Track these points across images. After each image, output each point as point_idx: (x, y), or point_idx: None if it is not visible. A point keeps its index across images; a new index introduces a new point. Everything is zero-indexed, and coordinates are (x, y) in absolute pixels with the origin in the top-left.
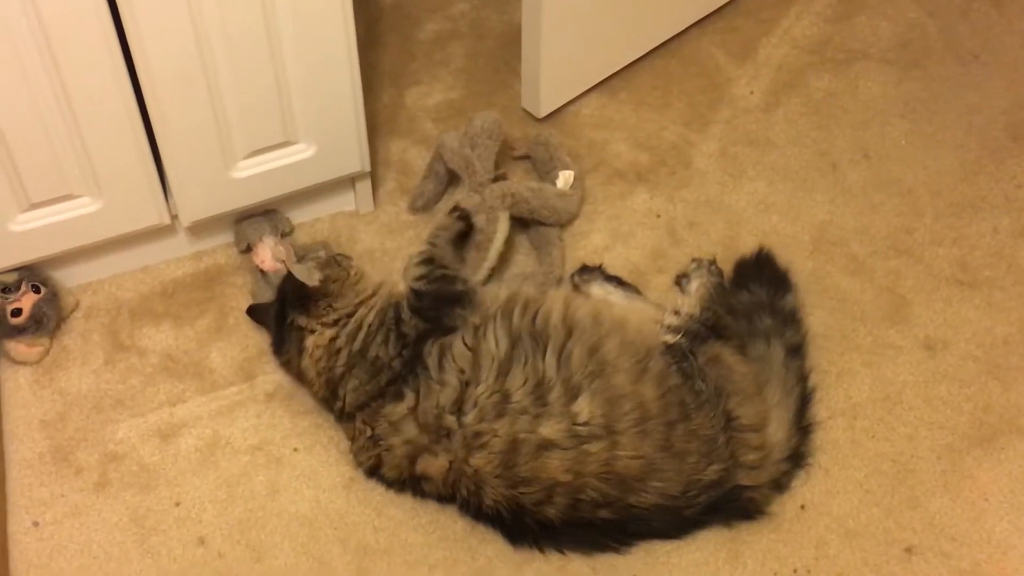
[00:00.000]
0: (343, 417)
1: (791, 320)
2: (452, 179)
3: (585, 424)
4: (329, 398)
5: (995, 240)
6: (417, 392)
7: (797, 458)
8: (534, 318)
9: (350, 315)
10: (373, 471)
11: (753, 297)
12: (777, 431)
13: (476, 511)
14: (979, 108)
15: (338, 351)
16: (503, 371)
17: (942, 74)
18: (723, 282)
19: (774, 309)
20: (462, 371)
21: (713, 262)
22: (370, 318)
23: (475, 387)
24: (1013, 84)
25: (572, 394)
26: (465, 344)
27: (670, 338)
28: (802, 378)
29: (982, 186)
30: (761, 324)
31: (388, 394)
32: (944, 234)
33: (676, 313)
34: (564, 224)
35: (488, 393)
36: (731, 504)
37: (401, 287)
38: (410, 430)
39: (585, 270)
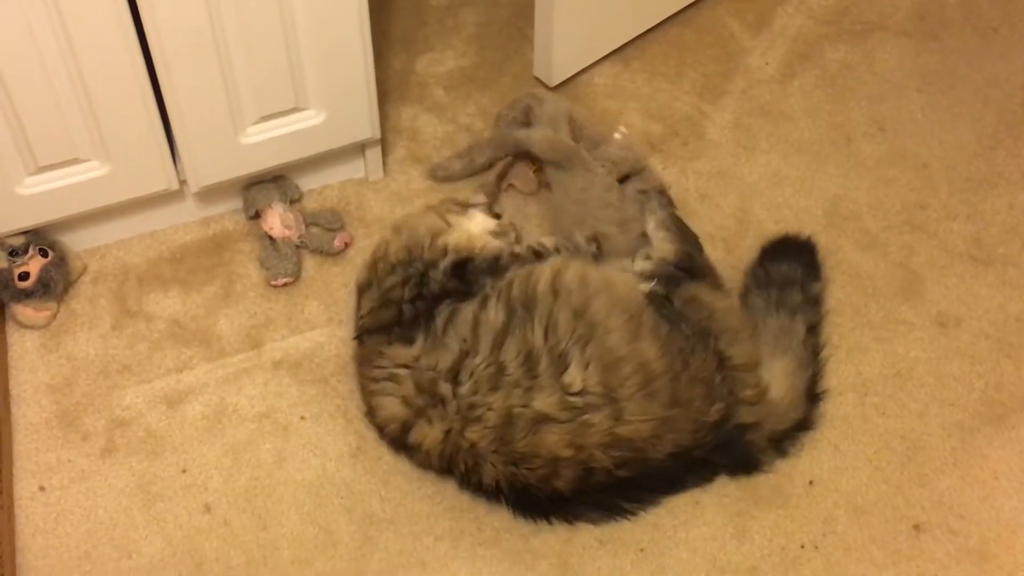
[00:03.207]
0: (359, 333)
1: (815, 303)
2: (483, 170)
3: (579, 394)
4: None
5: (1011, 216)
6: (425, 342)
7: (802, 425)
8: (526, 287)
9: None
10: (369, 415)
11: (789, 272)
12: (787, 396)
13: (476, 487)
14: (997, 82)
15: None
16: (498, 343)
17: (960, 47)
18: (676, 211)
19: (804, 289)
20: (464, 339)
21: (660, 191)
22: (391, 250)
23: (473, 358)
24: None
25: (561, 363)
26: (473, 312)
27: (645, 286)
28: (815, 355)
29: (998, 161)
30: (790, 298)
31: (395, 335)
32: (959, 209)
33: (647, 258)
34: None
35: (484, 365)
36: (733, 444)
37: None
38: (408, 387)
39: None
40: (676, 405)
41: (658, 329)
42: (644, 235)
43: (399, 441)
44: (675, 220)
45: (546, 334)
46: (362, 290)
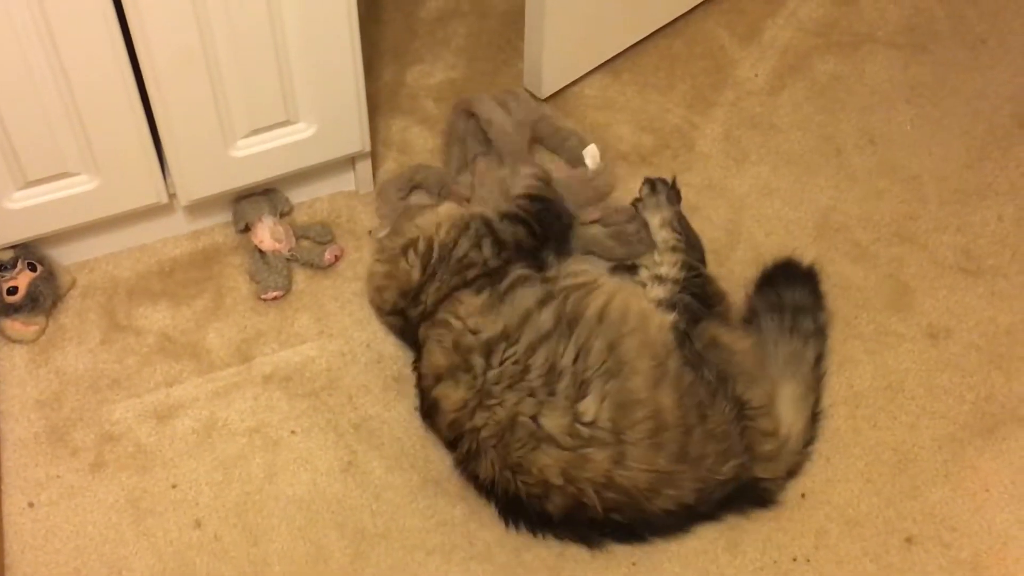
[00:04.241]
0: (423, 319)
1: (822, 333)
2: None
3: (589, 425)
4: (405, 307)
5: (1000, 228)
6: (489, 298)
7: (807, 444)
8: (578, 305)
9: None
10: (416, 361)
11: (802, 299)
12: (796, 423)
13: (472, 477)
14: (986, 94)
15: (407, 272)
16: (534, 347)
17: (949, 59)
18: (681, 209)
19: (815, 318)
20: (512, 324)
21: (670, 184)
22: (441, 235)
23: (511, 346)
24: (1021, 70)
25: (582, 390)
26: (527, 306)
27: (668, 317)
28: (819, 382)
29: (987, 173)
30: (803, 325)
31: (472, 286)
32: (948, 221)
33: (659, 280)
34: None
35: (515, 359)
36: (746, 495)
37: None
38: (450, 340)
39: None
40: (683, 461)
41: (681, 378)
42: (639, 213)
43: (426, 396)
44: (681, 220)
45: (577, 357)
46: (416, 288)
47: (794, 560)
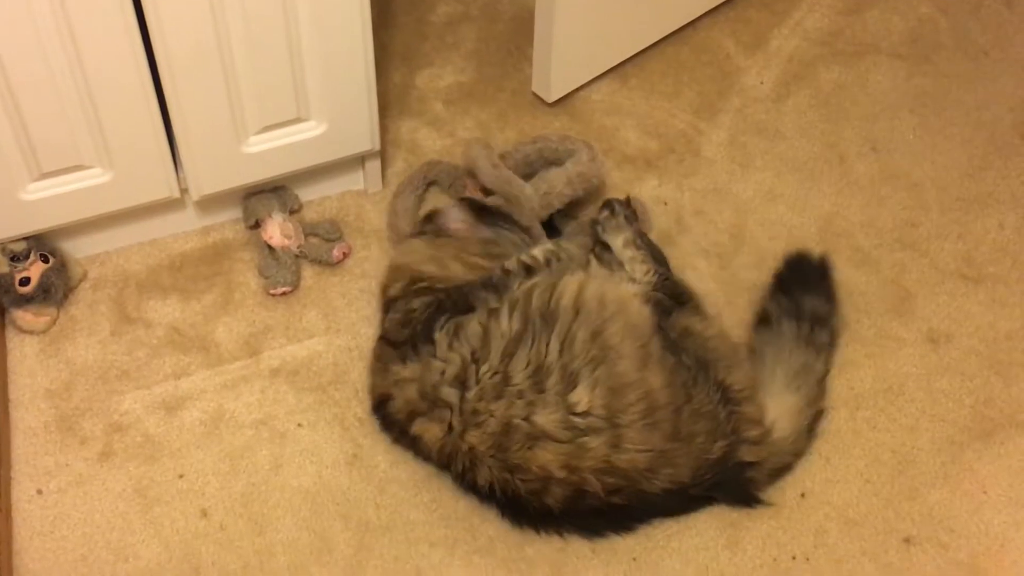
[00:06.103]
0: (382, 336)
1: (833, 342)
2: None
3: (583, 415)
4: (382, 311)
5: (1000, 236)
6: (419, 365)
7: (798, 454)
8: (548, 299)
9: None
10: (380, 405)
11: (821, 309)
12: (790, 429)
13: (471, 487)
14: (988, 105)
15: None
16: (509, 352)
17: (952, 70)
18: (639, 226)
19: (831, 327)
20: (474, 350)
21: (624, 203)
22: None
23: (481, 365)
24: (1022, 82)
25: (570, 382)
26: (479, 323)
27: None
28: (823, 393)
29: (989, 182)
30: (819, 337)
31: (397, 355)
32: (950, 229)
33: (633, 282)
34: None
35: (491, 373)
36: (733, 481)
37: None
38: (411, 392)
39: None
40: (676, 439)
41: (664, 360)
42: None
43: (403, 431)
44: (642, 237)
45: (561, 350)
46: (389, 303)
47: (793, 558)
